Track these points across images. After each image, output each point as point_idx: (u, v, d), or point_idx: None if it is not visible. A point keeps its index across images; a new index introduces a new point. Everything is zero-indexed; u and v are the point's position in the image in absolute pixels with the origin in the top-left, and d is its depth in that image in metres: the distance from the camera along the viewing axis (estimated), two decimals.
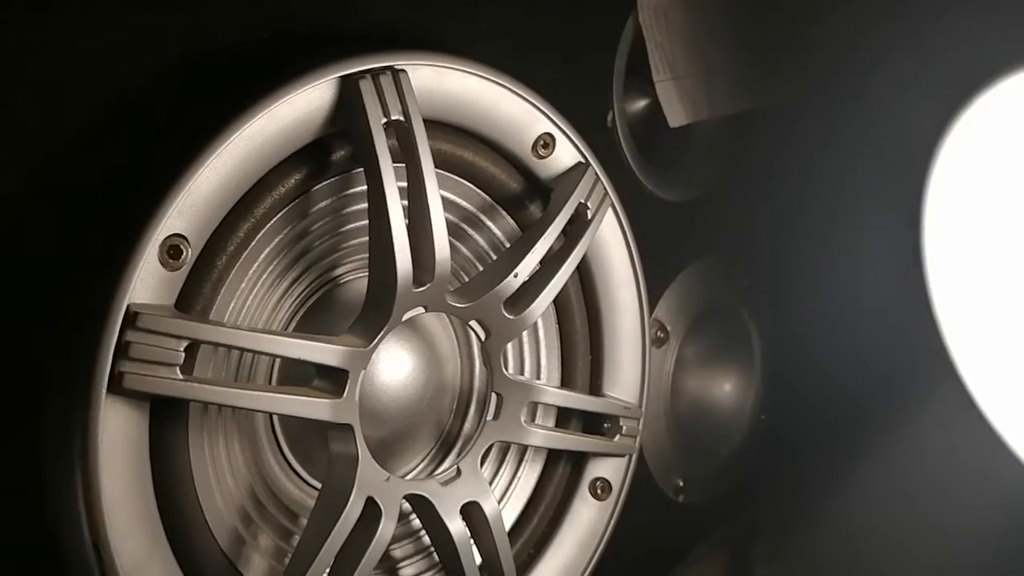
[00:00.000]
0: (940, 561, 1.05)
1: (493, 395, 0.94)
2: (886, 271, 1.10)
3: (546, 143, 0.95)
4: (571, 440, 1.00)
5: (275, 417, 0.89)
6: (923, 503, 1.08)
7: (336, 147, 0.83)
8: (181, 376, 0.73)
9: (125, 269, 0.71)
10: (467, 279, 0.95)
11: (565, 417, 1.02)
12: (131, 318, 0.71)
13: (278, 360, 0.86)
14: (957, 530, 1.03)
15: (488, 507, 0.92)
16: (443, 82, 0.87)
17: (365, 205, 0.86)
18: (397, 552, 0.96)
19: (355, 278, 0.92)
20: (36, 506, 0.78)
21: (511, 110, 0.92)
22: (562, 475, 1.03)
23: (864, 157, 1.12)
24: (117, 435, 0.73)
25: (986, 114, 0.93)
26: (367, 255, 0.86)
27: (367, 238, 0.85)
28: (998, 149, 0.94)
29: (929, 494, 1.07)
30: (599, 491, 1.03)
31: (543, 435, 0.97)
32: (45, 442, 0.76)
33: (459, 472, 0.92)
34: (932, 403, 1.06)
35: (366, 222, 0.85)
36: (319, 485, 0.90)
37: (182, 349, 0.73)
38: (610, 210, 0.99)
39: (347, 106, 0.81)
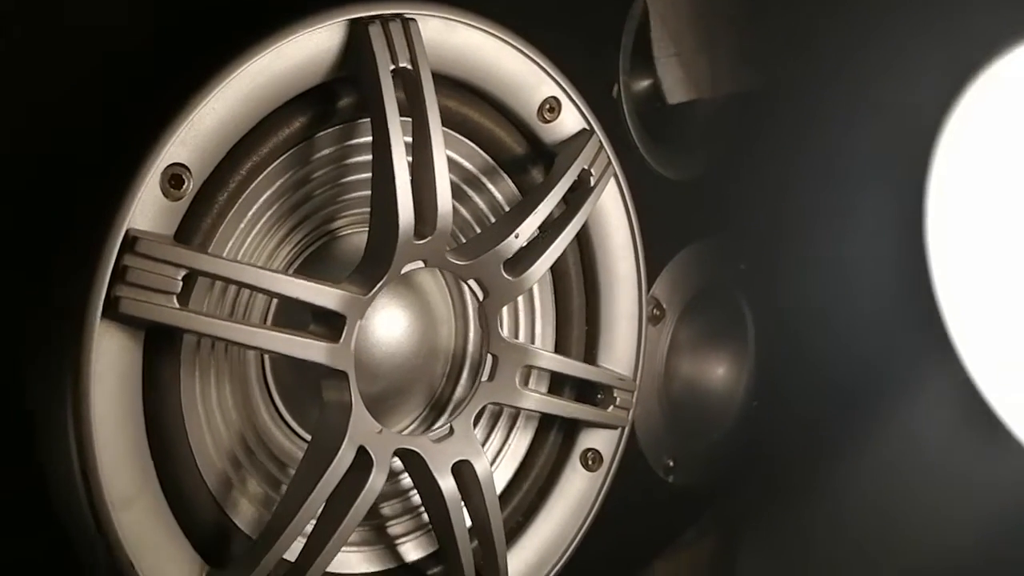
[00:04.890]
0: (933, 541, 1.04)
1: (488, 356, 0.93)
2: (887, 256, 1.09)
3: (552, 107, 0.94)
4: (564, 406, 0.99)
5: (267, 365, 0.88)
6: (916, 487, 1.07)
7: (342, 94, 0.83)
8: (178, 305, 0.73)
9: (126, 194, 0.71)
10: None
11: (558, 386, 1.01)
12: (130, 242, 0.71)
13: (274, 304, 0.86)
14: (951, 510, 1.03)
15: (480, 467, 0.91)
16: (452, 35, 0.87)
17: (367, 157, 0.86)
18: (386, 510, 0.95)
19: (353, 232, 0.92)
20: (27, 442, 0.77)
21: (519, 70, 0.92)
22: (553, 444, 1.02)
23: (867, 140, 1.11)
24: (110, 363, 0.72)
25: (991, 91, 0.93)
26: (367, 209, 0.86)
27: (367, 192, 0.85)
28: (1003, 128, 0.94)
29: (923, 477, 1.07)
30: (590, 462, 1.03)
31: (537, 399, 0.97)
32: (38, 369, 0.75)
33: (452, 431, 0.91)
34: (930, 388, 1.05)
35: (367, 175, 0.85)
36: (309, 437, 0.90)
37: (180, 278, 0.73)
38: (612, 180, 0.98)
39: (355, 51, 0.81)
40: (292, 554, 0.82)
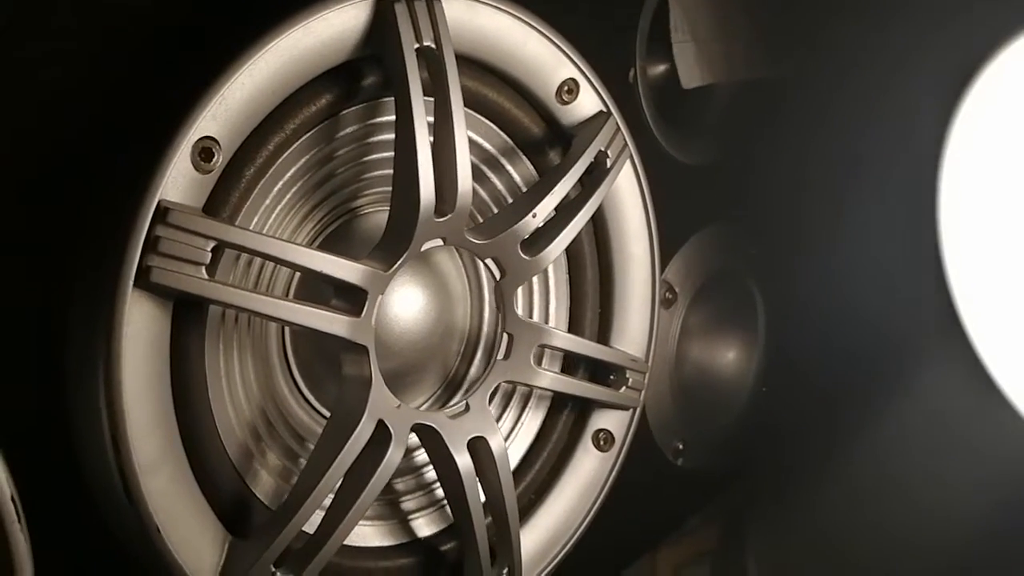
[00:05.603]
0: (944, 524, 1.05)
1: (504, 335, 0.94)
2: (899, 241, 1.10)
3: (570, 89, 0.95)
4: (578, 386, 1.00)
5: (288, 340, 0.89)
6: (930, 470, 1.08)
7: (367, 72, 0.84)
8: (206, 276, 0.74)
9: (158, 166, 0.72)
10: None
11: (571, 368, 1.02)
12: (161, 213, 0.72)
13: (295, 280, 0.87)
14: (963, 491, 1.04)
15: (495, 443, 0.92)
16: (475, 16, 0.88)
17: (389, 136, 0.87)
18: (400, 486, 0.97)
19: (374, 211, 0.93)
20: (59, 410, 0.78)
21: (538, 52, 0.93)
22: (566, 424, 1.03)
23: (880, 126, 1.12)
24: (140, 331, 0.73)
25: (1005, 73, 0.93)
26: (388, 188, 0.87)
27: (389, 171, 0.86)
28: (1018, 110, 0.95)
29: (936, 461, 1.07)
30: (602, 442, 1.04)
31: (551, 378, 0.98)
32: (70, 337, 0.76)
33: (467, 407, 0.92)
34: (941, 374, 1.06)
35: (389, 154, 0.86)
36: (327, 413, 0.91)
37: (209, 249, 0.74)
38: (628, 162, 0.99)
39: (381, 29, 0.82)
40: (311, 526, 0.83)
